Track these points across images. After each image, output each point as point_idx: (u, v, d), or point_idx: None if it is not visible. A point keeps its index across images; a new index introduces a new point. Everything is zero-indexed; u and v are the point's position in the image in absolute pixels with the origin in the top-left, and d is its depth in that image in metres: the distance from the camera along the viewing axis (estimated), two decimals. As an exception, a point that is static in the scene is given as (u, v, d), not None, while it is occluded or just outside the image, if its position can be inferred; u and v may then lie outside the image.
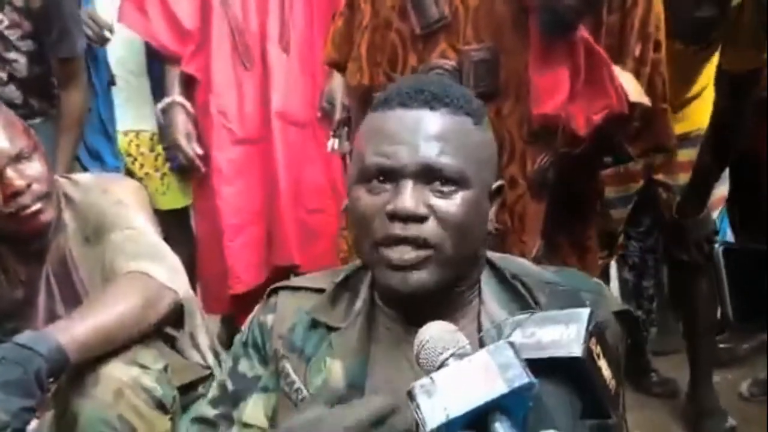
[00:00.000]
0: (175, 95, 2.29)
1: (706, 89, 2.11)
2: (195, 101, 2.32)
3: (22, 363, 1.13)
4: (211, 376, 1.46)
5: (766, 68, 1.71)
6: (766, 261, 1.46)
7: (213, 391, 1.07)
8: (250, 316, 1.07)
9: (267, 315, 1.03)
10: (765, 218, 2.11)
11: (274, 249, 2.33)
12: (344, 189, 2.24)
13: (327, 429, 0.79)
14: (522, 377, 0.65)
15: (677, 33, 1.85)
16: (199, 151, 2.30)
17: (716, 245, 1.52)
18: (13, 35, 2.06)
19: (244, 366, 1.03)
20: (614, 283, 2.71)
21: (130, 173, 2.44)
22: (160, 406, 1.30)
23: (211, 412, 1.04)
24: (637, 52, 1.66)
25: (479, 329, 0.93)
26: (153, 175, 2.48)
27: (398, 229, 0.87)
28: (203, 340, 1.50)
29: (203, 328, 1.51)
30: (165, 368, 1.33)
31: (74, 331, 1.21)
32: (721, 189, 2.23)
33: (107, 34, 2.31)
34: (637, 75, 1.66)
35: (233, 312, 2.40)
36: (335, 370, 0.94)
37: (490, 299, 0.96)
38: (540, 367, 0.68)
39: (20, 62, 2.10)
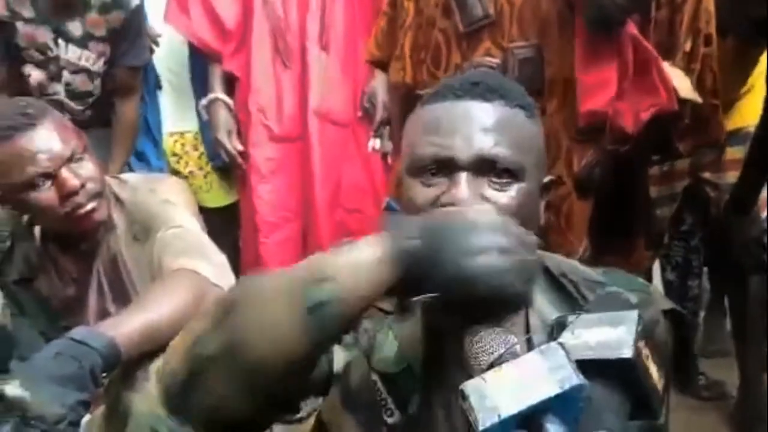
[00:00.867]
0: (218, 92, 2.34)
1: (756, 86, 2.06)
2: (236, 99, 2.36)
3: (78, 358, 1.15)
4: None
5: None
6: None
7: None
8: None
9: None
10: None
11: (308, 247, 2.35)
12: (384, 189, 2.25)
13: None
14: (573, 378, 0.64)
15: (732, 30, 1.81)
16: (240, 148, 2.34)
17: None
18: (95, 67, 2.14)
19: None
20: (657, 284, 2.66)
21: (175, 172, 2.49)
22: (208, 401, 1.31)
23: None
24: (687, 48, 1.62)
25: (527, 326, 0.92)
26: (197, 174, 2.52)
27: None
28: None
29: None
30: (213, 363, 1.34)
31: (126, 327, 1.23)
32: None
33: (154, 46, 2.38)
34: (687, 71, 1.63)
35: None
36: (399, 345, 0.92)
37: (538, 296, 0.94)
38: (589, 368, 0.67)
39: (97, 87, 2.18)
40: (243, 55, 2.33)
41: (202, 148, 2.51)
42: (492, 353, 0.69)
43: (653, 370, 0.72)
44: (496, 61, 1.61)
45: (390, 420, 0.90)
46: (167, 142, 2.52)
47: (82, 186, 1.42)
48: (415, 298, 0.75)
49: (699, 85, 1.65)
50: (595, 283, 0.95)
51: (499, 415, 0.63)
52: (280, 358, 0.74)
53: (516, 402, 0.63)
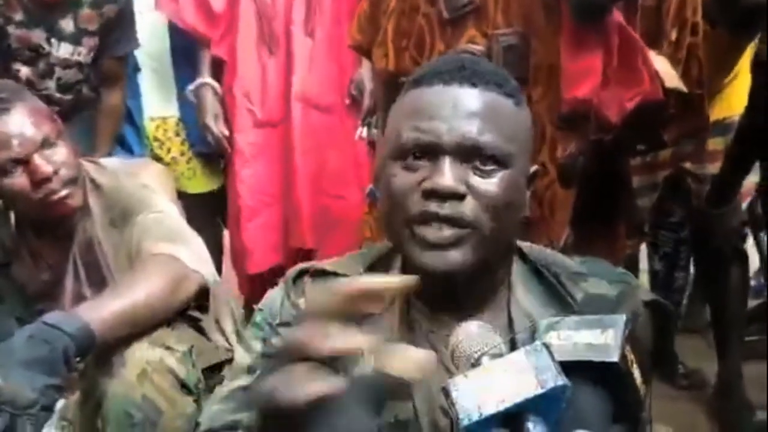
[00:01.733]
0: (205, 77, 2.34)
1: (738, 76, 2.06)
2: (222, 84, 2.36)
3: (50, 341, 1.14)
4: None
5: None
6: None
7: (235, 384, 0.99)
8: (274, 295, 1.02)
9: (299, 299, 0.99)
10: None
11: (290, 233, 2.35)
12: (369, 176, 2.24)
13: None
14: (556, 379, 0.63)
15: (724, 19, 1.80)
16: (226, 132, 2.34)
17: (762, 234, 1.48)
18: (87, 59, 2.12)
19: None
20: (644, 272, 2.68)
21: (157, 158, 2.46)
22: (185, 387, 1.31)
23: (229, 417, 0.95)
24: (674, 37, 1.62)
25: (509, 318, 0.91)
26: (179, 160, 2.50)
27: (435, 206, 0.84)
28: (228, 324, 1.50)
29: (228, 311, 1.51)
30: (190, 350, 1.34)
31: (101, 311, 1.22)
32: (751, 178, 2.19)
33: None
34: (673, 60, 1.62)
35: (249, 294, 2.43)
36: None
37: (520, 288, 0.94)
38: (575, 370, 0.67)
39: (86, 77, 2.16)
40: (230, 40, 2.32)
41: (184, 134, 2.49)
42: (476, 352, 0.68)
43: (637, 374, 0.72)
44: (480, 48, 1.59)
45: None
46: (149, 127, 2.50)
47: (55, 172, 1.40)
48: None
49: (685, 75, 1.64)
50: (577, 274, 0.94)
51: (481, 414, 0.63)
52: None
53: (498, 400, 0.63)
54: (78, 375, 1.29)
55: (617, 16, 1.55)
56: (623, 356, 0.71)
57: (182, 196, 2.16)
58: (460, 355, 0.69)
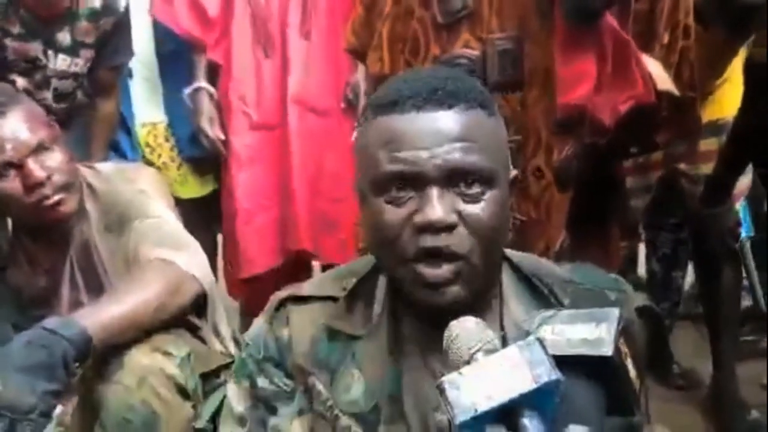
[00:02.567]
0: (201, 81, 2.34)
1: (731, 77, 2.07)
2: (218, 87, 2.36)
3: (48, 346, 1.14)
4: (232, 364, 1.47)
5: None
6: None
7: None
8: (258, 328, 1.01)
9: (281, 329, 0.98)
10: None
11: (287, 235, 2.35)
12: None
13: None
14: (550, 374, 0.64)
15: (716, 20, 1.80)
16: (221, 136, 2.34)
17: (742, 236, 1.49)
18: (83, 70, 2.12)
19: (263, 383, 0.99)
20: (641, 273, 2.69)
21: (149, 164, 2.46)
22: (182, 392, 1.31)
23: None
24: (666, 39, 1.63)
25: (501, 328, 0.91)
26: (170, 165, 2.50)
27: (429, 241, 0.83)
28: (225, 330, 1.51)
29: (224, 318, 1.52)
30: (188, 355, 1.34)
31: (99, 316, 1.22)
32: (744, 179, 2.20)
33: None
34: (666, 63, 1.63)
35: (248, 297, 2.43)
36: (365, 382, 0.91)
37: (511, 298, 0.94)
38: (568, 364, 0.67)
39: (81, 86, 2.17)
40: (225, 44, 2.33)
41: (173, 140, 2.49)
42: (470, 349, 0.69)
43: (631, 368, 0.73)
44: (475, 53, 1.60)
45: None
46: (140, 133, 2.50)
47: (48, 177, 1.40)
48: None
49: (677, 77, 1.66)
50: (568, 282, 0.94)
51: (476, 410, 0.63)
52: None
53: (493, 396, 0.64)
54: (77, 381, 1.29)
55: (610, 19, 1.56)
56: (617, 349, 0.71)
57: (175, 202, 2.16)
58: (455, 352, 0.70)
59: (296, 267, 2.39)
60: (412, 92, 0.86)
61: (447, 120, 0.84)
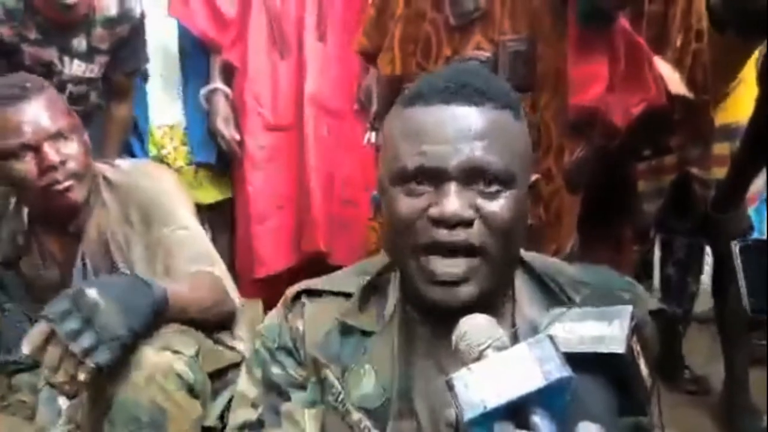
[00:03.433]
0: (217, 82, 2.35)
1: (744, 81, 2.06)
2: (234, 89, 2.37)
3: (146, 295, 1.20)
4: (241, 363, 1.48)
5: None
6: None
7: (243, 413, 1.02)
8: (273, 318, 1.02)
9: (296, 321, 0.98)
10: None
11: (303, 236, 2.35)
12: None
13: None
14: (560, 371, 0.64)
15: (731, 23, 1.79)
16: (237, 137, 2.34)
17: (732, 242, 1.48)
18: (98, 75, 2.14)
19: (276, 370, 0.99)
20: (656, 277, 2.67)
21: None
22: (191, 391, 1.31)
23: None
24: (679, 43, 1.63)
25: (513, 326, 0.91)
26: (187, 169, 2.49)
27: (444, 235, 0.83)
28: (242, 331, 1.52)
29: (243, 320, 1.53)
30: (197, 354, 1.34)
31: (171, 287, 1.27)
32: (756, 184, 2.18)
33: None
34: (678, 66, 1.63)
35: (262, 297, 2.43)
36: (376, 377, 0.91)
37: (524, 298, 0.94)
38: (579, 362, 0.67)
39: (96, 91, 2.19)
40: (241, 45, 2.34)
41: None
42: (480, 345, 0.68)
43: (643, 366, 0.72)
44: (487, 54, 1.60)
45: None
46: (156, 135, 2.49)
47: (62, 163, 1.44)
48: None
49: (690, 81, 1.65)
50: (580, 283, 0.94)
51: (485, 407, 0.63)
52: None
53: (502, 393, 0.63)
54: (87, 378, 1.29)
55: (623, 22, 1.56)
56: (629, 347, 0.70)
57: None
58: (465, 348, 0.69)
59: (311, 266, 2.39)
60: (441, 85, 0.86)
61: (472, 116, 0.84)
